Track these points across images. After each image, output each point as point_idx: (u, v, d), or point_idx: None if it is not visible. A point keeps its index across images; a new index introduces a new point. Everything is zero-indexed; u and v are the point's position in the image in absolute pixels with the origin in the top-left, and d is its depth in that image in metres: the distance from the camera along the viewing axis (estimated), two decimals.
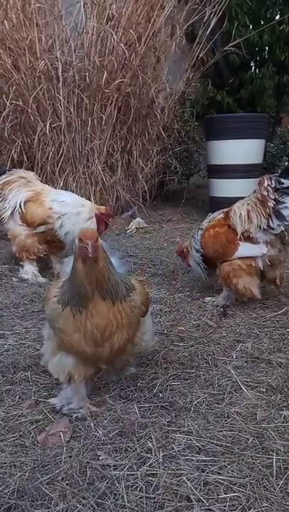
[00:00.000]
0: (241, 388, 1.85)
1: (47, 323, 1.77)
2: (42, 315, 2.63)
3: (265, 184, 2.53)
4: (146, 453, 1.48)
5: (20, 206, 3.25)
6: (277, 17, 6.27)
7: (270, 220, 2.51)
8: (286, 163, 6.30)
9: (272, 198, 2.49)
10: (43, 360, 1.81)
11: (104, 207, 3.33)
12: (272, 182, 2.52)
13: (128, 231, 4.82)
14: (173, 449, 1.50)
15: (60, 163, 4.83)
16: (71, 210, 3.18)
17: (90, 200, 4.79)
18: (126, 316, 1.59)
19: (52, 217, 3.17)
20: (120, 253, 1.85)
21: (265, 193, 2.52)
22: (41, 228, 3.21)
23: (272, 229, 2.51)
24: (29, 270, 3.28)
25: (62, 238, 3.19)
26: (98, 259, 1.51)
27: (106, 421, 1.66)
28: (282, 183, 2.50)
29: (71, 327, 1.55)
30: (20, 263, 3.34)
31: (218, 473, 1.39)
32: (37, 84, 4.64)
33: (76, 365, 1.65)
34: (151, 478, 1.38)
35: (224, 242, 2.65)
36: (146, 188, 5.57)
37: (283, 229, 2.50)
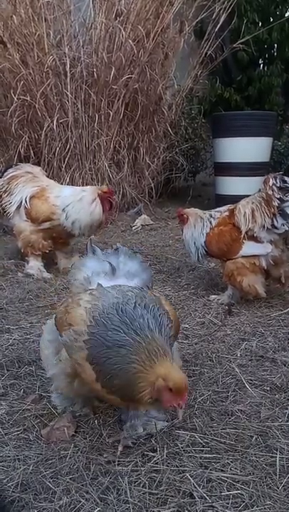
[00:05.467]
0: (245, 386, 1.85)
1: (51, 345, 1.61)
2: (47, 310, 2.64)
3: (270, 183, 2.52)
4: (150, 450, 1.49)
5: (25, 202, 3.25)
6: (287, 14, 6.23)
7: (274, 220, 2.49)
8: None
9: (277, 197, 2.48)
10: (55, 386, 1.64)
11: (105, 186, 3.33)
12: (278, 181, 2.50)
13: (134, 228, 4.82)
14: (177, 445, 1.50)
15: (66, 159, 4.83)
16: (73, 199, 3.18)
17: None
18: None
19: (56, 213, 3.18)
20: (141, 256, 1.76)
21: (270, 192, 2.51)
22: (46, 225, 3.21)
23: (277, 228, 2.50)
24: (34, 266, 3.29)
25: (70, 229, 3.19)
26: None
27: (110, 419, 1.66)
28: (287, 182, 2.49)
29: (84, 359, 1.34)
30: (26, 258, 3.35)
31: (222, 471, 1.39)
32: (45, 79, 4.64)
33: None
34: (154, 475, 1.38)
35: (228, 241, 2.65)
36: (152, 185, 5.56)
37: (288, 228, 2.49)
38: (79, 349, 1.34)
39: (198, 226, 2.78)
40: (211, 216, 2.79)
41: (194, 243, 2.78)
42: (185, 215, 2.87)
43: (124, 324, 1.30)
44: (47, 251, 3.31)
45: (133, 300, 1.37)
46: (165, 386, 1.25)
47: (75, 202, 3.17)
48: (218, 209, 2.84)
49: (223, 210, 2.78)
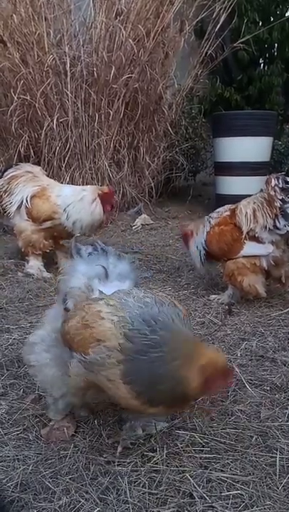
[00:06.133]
0: (245, 386, 1.84)
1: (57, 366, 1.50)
2: (47, 310, 2.63)
3: (273, 184, 2.51)
4: (150, 450, 1.49)
5: (26, 201, 3.25)
6: (287, 13, 6.22)
7: (276, 220, 2.49)
8: None
9: (279, 198, 2.48)
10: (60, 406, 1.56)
11: (106, 186, 3.34)
12: (280, 181, 2.50)
13: (134, 227, 4.81)
14: (176, 445, 1.50)
15: (66, 159, 4.82)
16: (74, 199, 3.19)
17: None
18: None
19: (58, 212, 3.18)
20: (129, 257, 1.67)
21: (273, 193, 2.50)
22: (47, 224, 3.21)
23: (279, 229, 2.50)
24: (34, 265, 3.29)
25: (70, 229, 3.19)
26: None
27: (110, 419, 1.66)
28: None
29: (120, 378, 1.28)
30: (26, 258, 3.35)
31: (222, 471, 1.39)
32: (45, 78, 4.63)
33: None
34: (154, 475, 1.38)
35: (229, 241, 2.64)
36: (152, 184, 5.56)
37: None
38: (112, 366, 1.27)
39: (200, 231, 2.78)
40: (210, 217, 2.79)
41: (197, 247, 2.78)
42: (188, 231, 2.86)
43: (154, 332, 1.27)
44: (47, 250, 3.31)
45: (155, 306, 1.33)
46: (213, 370, 1.25)
47: (76, 202, 3.17)
48: (218, 209, 2.83)
49: (224, 210, 2.77)
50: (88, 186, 3.41)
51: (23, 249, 3.32)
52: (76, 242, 1.62)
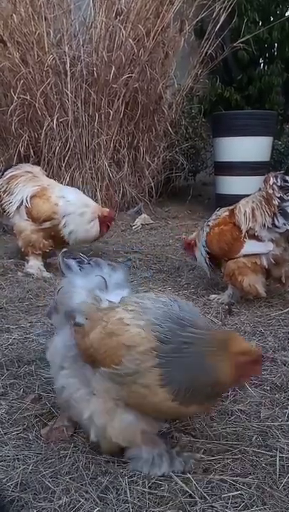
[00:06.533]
0: (245, 386, 1.84)
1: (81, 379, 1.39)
2: (46, 310, 2.63)
3: (271, 182, 2.51)
4: None
5: (26, 201, 3.25)
6: (287, 13, 6.22)
7: (275, 219, 2.49)
8: None
9: (278, 196, 2.48)
10: (95, 431, 1.38)
11: (107, 209, 3.36)
12: (278, 180, 2.50)
13: (134, 227, 4.81)
14: (176, 446, 1.49)
15: (66, 158, 4.83)
16: (75, 210, 3.21)
17: (96, 196, 4.81)
18: None
19: (58, 212, 3.18)
20: (122, 265, 1.62)
21: (271, 191, 2.50)
22: (47, 224, 3.21)
23: (278, 227, 2.50)
24: (34, 265, 3.29)
25: (65, 237, 3.22)
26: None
27: None
28: (288, 181, 2.49)
29: (158, 381, 1.24)
30: (26, 258, 3.35)
31: (222, 471, 1.39)
32: (45, 78, 4.63)
33: (147, 419, 1.35)
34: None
35: (229, 240, 2.64)
36: (152, 184, 5.56)
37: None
38: (148, 370, 1.23)
39: (201, 237, 2.78)
40: (208, 220, 2.80)
41: (201, 253, 2.78)
42: (192, 241, 2.87)
43: (184, 329, 1.27)
44: (47, 250, 3.31)
45: (175, 304, 1.34)
46: (244, 358, 1.25)
47: (76, 215, 3.20)
48: (216, 212, 2.84)
49: (223, 211, 2.78)
50: (92, 202, 3.40)
51: (22, 249, 3.32)
52: (64, 258, 1.53)
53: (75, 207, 3.22)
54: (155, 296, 1.38)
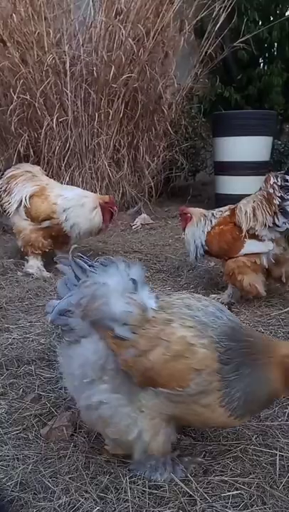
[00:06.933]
0: None
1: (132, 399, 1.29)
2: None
3: (271, 181, 2.52)
4: None
5: (25, 200, 3.25)
6: (287, 13, 6.22)
7: (275, 218, 2.49)
8: None
9: (278, 195, 2.48)
10: (142, 447, 1.32)
11: (107, 196, 3.36)
12: (279, 179, 2.50)
13: (133, 227, 4.81)
14: (176, 446, 1.49)
15: (66, 158, 4.82)
16: (75, 203, 3.21)
17: None
18: None
19: (56, 212, 3.18)
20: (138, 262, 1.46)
21: (271, 191, 2.50)
22: (46, 223, 3.21)
23: (279, 226, 2.50)
24: (34, 265, 3.29)
25: (68, 232, 3.21)
26: None
27: None
28: (288, 181, 2.49)
29: (218, 401, 1.23)
30: (25, 257, 3.34)
31: (222, 471, 1.39)
32: (44, 78, 4.63)
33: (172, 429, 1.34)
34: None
35: (230, 240, 2.64)
36: (152, 184, 5.56)
37: None
38: (212, 391, 1.21)
39: (201, 225, 2.77)
40: (212, 215, 2.78)
41: (194, 241, 2.77)
42: (189, 214, 2.86)
43: (239, 343, 1.26)
44: (47, 250, 3.31)
45: (222, 314, 1.31)
46: None
47: (76, 206, 3.20)
48: (220, 208, 2.83)
49: (224, 210, 2.77)
50: (90, 193, 3.43)
51: (22, 249, 3.32)
52: (76, 261, 1.37)
53: (74, 200, 3.22)
54: (195, 299, 1.33)
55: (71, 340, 1.34)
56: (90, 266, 1.36)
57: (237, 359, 1.24)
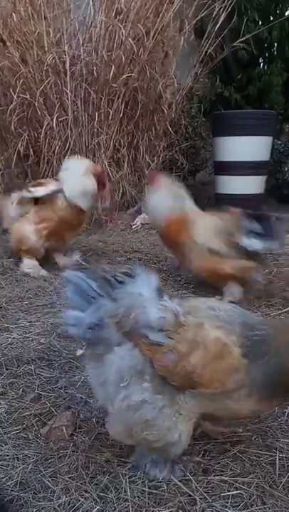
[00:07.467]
0: None
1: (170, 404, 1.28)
2: (46, 309, 2.63)
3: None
4: None
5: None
6: (287, 13, 6.22)
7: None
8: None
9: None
10: (180, 449, 1.33)
11: (98, 166, 3.51)
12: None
13: (133, 227, 4.81)
14: None
15: (66, 158, 4.82)
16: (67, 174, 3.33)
17: None
18: None
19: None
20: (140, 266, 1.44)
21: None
22: (40, 192, 3.22)
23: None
24: (29, 263, 3.28)
25: (65, 202, 3.22)
26: None
27: None
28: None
29: (246, 394, 1.29)
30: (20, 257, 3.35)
31: (221, 471, 1.39)
32: (44, 77, 4.62)
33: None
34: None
35: None
36: None
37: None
38: (242, 386, 1.27)
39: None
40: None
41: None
42: (158, 180, 2.92)
43: (261, 340, 1.30)
44: (41, 250, 3.28)
45: (237, 308, 1.38)
46: None
47: (68, 175, 3.32)
48: None
49: None
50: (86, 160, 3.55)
51: (13, 246, 3.34)
52: (102, 274, 1.33)
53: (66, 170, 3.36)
54: (212, 302, 1.40)
55: (100, 352, 1.30)
56: (112, 277, 1.33)
57: (258, 349, 1.28)
